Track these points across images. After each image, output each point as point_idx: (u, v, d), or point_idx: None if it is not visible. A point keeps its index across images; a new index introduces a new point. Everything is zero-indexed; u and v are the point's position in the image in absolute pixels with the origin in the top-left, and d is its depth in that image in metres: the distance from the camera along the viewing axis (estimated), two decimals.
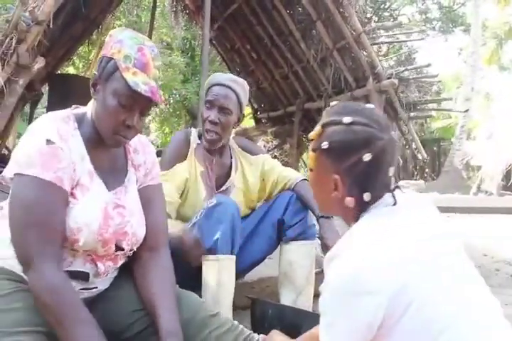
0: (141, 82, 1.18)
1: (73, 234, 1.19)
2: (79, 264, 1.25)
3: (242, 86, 2.01)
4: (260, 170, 2.13)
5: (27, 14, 3.90)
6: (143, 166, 1.41)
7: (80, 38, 6.69)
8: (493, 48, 15.06)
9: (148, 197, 1.39)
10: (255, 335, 1.35)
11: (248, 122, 11.59)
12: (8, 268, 1.22)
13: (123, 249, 1.31)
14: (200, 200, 1.99)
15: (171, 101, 15.95)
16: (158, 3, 8.78)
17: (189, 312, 1.30)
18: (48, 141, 1.17)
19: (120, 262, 1.36)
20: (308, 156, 1.08)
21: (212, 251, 1.71)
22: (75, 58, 10.25)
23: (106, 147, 1.29)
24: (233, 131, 2.13)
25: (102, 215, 1.24)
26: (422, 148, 5.53)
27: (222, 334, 1.29)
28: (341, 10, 5.21)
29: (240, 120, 2.07)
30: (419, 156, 5.66)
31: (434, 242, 0.96)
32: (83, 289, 1.28)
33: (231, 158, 2.12)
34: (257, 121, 8.81)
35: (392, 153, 1.00)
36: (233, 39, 7.84)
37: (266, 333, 1.38)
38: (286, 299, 1.93)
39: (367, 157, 0.96)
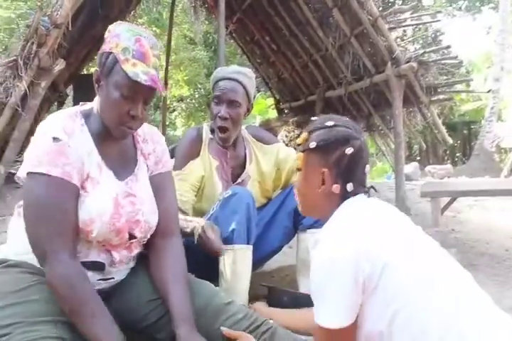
0: (140, 72, 1.21)
1: (86, 226, 1.24)
2: (94, 255, 1.29)
3: (247, 76, 2.02)
4: (275, 159, 2.15)
5: (46, 19, 4.02)
6: (153, 154, 1.44)
7: (101, 38, 6.78)
8: None
9: (160, 184, 1.43)
10: (270, 321, 1.38)
11: (271, 113, 11.59)
12: (31, 262, 1.27)
13: (136, 237, 1.34)
14: (216, 195, 2.02)
15: (196, 96, 16.05)
16: (178, 0, 8.86)
17: (204, 300, 1.34)
18: (55, 139, 1.22)
19: (135, 250, 1.39)
20: (297, 158, 1.23)
21: (228, 241, 1.75)
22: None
23: (114, 139, 1.33)
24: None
25: (113, 205, 1.28)
26: (444, 132, 5.42)
27: (238, 321, 1.32)
28: None
29: (249, 110, 2.07)
30: (442, 141, 5.53)
31: (406, 226, 1.14)
32: (100, 280, 1.33)
33: (245, 149, 2.13)
34: (280, 111, 8.81)
35: (366, 152, 1.20)
36: (252, 31, 7.84)
37: None
38: (305, 286, 1.94)
39: (349, 150, 1.15)
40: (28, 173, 1.23)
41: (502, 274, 3.26)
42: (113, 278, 1.36)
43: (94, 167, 1.28)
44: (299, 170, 1.22)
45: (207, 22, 10.09)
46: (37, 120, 4.08)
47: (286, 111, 8.57)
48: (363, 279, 1.02)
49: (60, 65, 4.20)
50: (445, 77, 5.39)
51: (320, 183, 1.17)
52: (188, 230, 1.72)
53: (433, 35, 15.40)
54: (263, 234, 2.04)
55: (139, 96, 1.26)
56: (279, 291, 1.89)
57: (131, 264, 1.42)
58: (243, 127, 2.19)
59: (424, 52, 5.00)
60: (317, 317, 1.07)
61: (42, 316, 1.15)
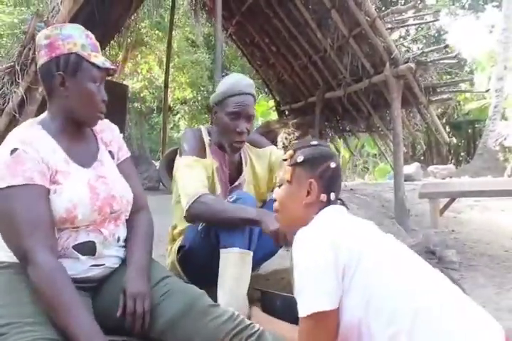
0: (104, 60, 1.39)
1: (71, 212, 1.32)
2: (83, 236, 1.37)
3: (252, 86, 2.06)
4: (268, 162, 2.18)
5: (42, 24, 4.05)
6: (114, 141, 1.58)
7: (101, 42, 6.83)
8: None
9: (125, 170, 1.57)
10: (256, 325, 1.39)
11: (273, 115, 11.59)
12: None
13: (116, 211, 1.44)
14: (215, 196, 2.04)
15: (199, 98, 16.08)
16: (180, 2, 8.90)
17: (188, 301, 1.36)
18: (12, 151, 1.30)
19: (120, 223, 1.48)
20: (282, 173, 1.34)
21: (229, 244, 1.76)
22: None
23: (75, 135, 1.45)
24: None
25: (88, 188, 1.37)
26: (444, 132, 5.41)
27: (222, 323, 1.33)
28: None
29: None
30: (442, 141, 5.51)
31: (378, 233, 1.25)
32: (93, 266, 1.39)
33: (240, 153, 2.16)
34: (280, 113, 8.82)
35: (341, 170, 1.35)
36: (252, 33, 7.85)
37: None
38: None
39: (333, 165, 1.29)
40: None
41: (501, 275, 3.25)
42: (104, 264, 1.41)
43: (61, 162, 1.38)
44: (288, 182, 1.31)
45: (208, 24, 10.13)
46: None
47: (286, 113, 8.58)
48: (343, 265, 1.09)
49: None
50: (448, 77, 5.36)
51: (305, 194, 1.27)
52: (250, 216, 1.73)
53: (436, 34, 15.38)
54: (259, 237, 2.04)
55: (103, 82, 1.43)
56: (272, 295, 1.88)
57: (120, 248, 1.47)
58: None
59: (423, 53, 4.98)
60: (300, 310, 1.12)
61: (37, 317, 1.20)
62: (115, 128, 1.63)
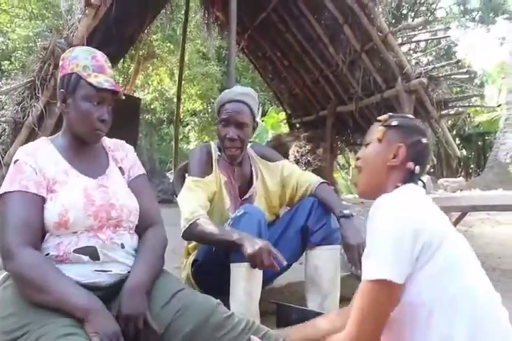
0: (103, 81, 1.44)
1: (63, 216, 1.37)
2: (83, 241, 1.40)
3: (251, 96, 2.08)
4: (280, 176, 2.18)
5: (62, 40, 4.16)
6: (126, 159, 1.62)
7: (117, 56, 6.99)
8: None
9: (138, 186, 1.60)
10: (271, 331, 1.41)
11: (283, 127, 11.63)
12: None
13: (114, 218, 1.46)
14: (225, 210, 2.06)
15: (209, 110, 16.19)
16: (192, 16, 9.04)
17: (203, 315, 1.36)
18: (15, 161, 1.43)
19: (120, 229, 1.48)
20: (373, 131, 1.33)
21: (240, 258, 1.76)
22: (114, 74, 10.60)
23: (82, 150, 1.52)
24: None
25: (83, 195, 1.42)
26: (455, 146, 5.44)
27: (237, 335, 1.34)
28: (367, 12, 5.21)
29: (254, 128, 2.13)
30: (453, 154, 5.54)
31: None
32: (99, 271, 1.41)
33: (251, 166, 2.18)
34: (291, 126, 8.87)
35: (431, 151, 1.35)
36: (264, 47, 7.95)
37: None
38: (313, 303, 1.96)
39: (424, 140, 1.29)
40: None
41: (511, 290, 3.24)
42: (111, 270, 1.43)
43: (60, 173, 1.45)
44: (378, 140, 1.30)
45: (220, 37, 10.26)
46: None
47: (297, 126, 8.62)
48: (423, 243, 1.06)
49: None
50: (458, 90, 5.39)
51: (392, 156, 1.26)
52: (232, 239, 1.75)
53: (446, 47, 15.41)
54: None
55: (105, 102, 1.47)
56: (287, 308, 1.90)
57: (127, 255, 1.48)
58: (248, 145, 2.24)
59: (434, 68, 5.04)
60: (366, 272, 1.10)
61: (51, 318, 1.23)
62: (130, 148, 1.68)
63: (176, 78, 14.03)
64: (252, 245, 1.67)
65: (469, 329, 1.03)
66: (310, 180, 2.18)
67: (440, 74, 5.08)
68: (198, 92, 14.91)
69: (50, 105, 4.21)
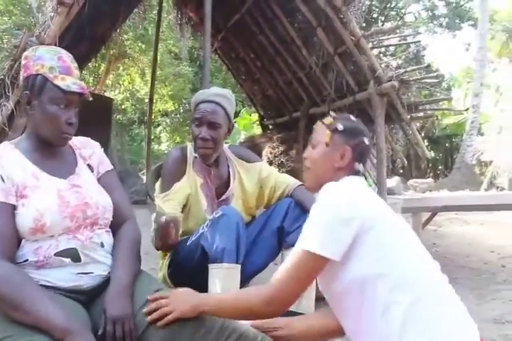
0: (71, 83, 1.41)
1: (38, 221, 1.34)
2: (63, 244, 1.38)
3: (227, 98, 2.09)
4: (257, 178, 2.20)
5: (34, 39, 4.07)
6: (94, 155, 1.60)
7: (88, 55, 6.89)
8: (503, 41, 14.93)
9: (107, 182, 1.58)
10: (248, 330, 1.36)
11: (256, 129, 11.67)
12: None
13: (90, 217, 1.44)
14: (201, 211, 2.08)
15: (181, 111, 16.12)
16: (164, 16, 8.97)
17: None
18: None
19: (97, 230, 1.47)
20: (318, 131, 1.43)
21: (217, 259, 1.79)
22: (84, 74, 10.46)
23: (49, 152, 1.48)
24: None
25: (57, 196, 1.40)
26: (425, 148, 5.58)
27: (216, 334, 1.30)
28: (340, 15, 5.28)
29: (230, 130, 2.14)
30: (422, 156, 5.68)
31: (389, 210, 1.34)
32: (81, 273, 1.39)
33: (228, 167, 2.19)
34: (264, 127, 8.90)
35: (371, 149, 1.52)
36: (237, 48, 7.95)
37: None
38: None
39: (366, 141, 1.41)
40: None
41: (481, 287, 3.32)
42: (92, 272, 1.41)
43: (30, 178, 1.41)
44: (325, 144, 1.40)
45: (192, 38, 10.23)
46: None
47: (270, 128, 8.66)
48: (361, 220, 1.19)
49: None
50: (427, 93, 5.51)
51: (338, 158, 1.38)
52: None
53: (415, 51, 15.74)
54: (248, 252, 2.07)
55: (72, 105, 1.44)
56: None
57: (107, 254, 1.47)
58: (226, 146, 2.25)
59: (406, 71, 5.14)
60: (305, 242, 1.22)
61: (32, 335, 1.19)
62: (96, 144, 1.66)
63: (147, 78, 13.95)
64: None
65: (412, 294, 1.15)
66: (287, 181, 2.20)
67: (411, 78, 5.17)
68: (170, 93, 14.82)
69: (20, 104, 4.10)
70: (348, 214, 1.20)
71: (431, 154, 16.09)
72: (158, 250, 2.04)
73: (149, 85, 14.03)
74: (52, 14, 4.27)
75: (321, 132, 1.42)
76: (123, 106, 15.38)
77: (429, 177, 14.06)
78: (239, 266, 1.84)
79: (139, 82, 14.51)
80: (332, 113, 1.48)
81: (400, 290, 1.15)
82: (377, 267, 1.18)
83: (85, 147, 1.61)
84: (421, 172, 16.63)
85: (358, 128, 1.43)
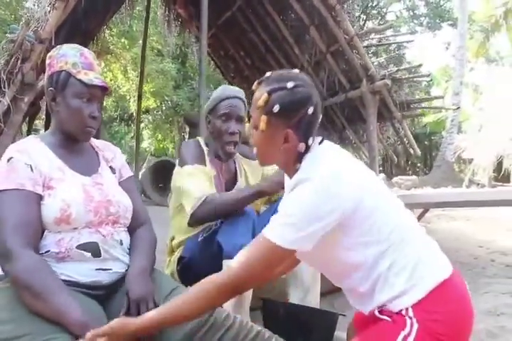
0: (93, 78, 1.44)
1: (65, 211, 1.36)
2: (85, 237, 1.39)
3: (241, 92, 2.13)
4: (261, 175, 2.21)
5: (31, 34, 4.02)
6: (116, 159, 1.63)
7: None
8: (480, 41, 15.26)
9: (128, 186, 1.61)
10: (262, 330, 1.40)
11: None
12: None
13: (113, 214, 1.46)
14: None
15: (163, 108, 16.00)
16: (151, 12, 8.91)
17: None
18: (8, 160, 1.39)
19: (118, 226, 1.49)
20: (255, 119, 1.22)
21: (234, 255, 1.81)
22: None
23: (73, 149, 1.51)
24: None
25: (82, 190, 1.42)
26: (415, 144, 5.70)
27: (235, 335, 1.34)
28: (334, 14, 5.34)
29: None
30: (413, 153, 5.80)
31: (370, 174, 1.25)
32: (100, 269, 1.40)
33: (235, 163, 2.20)
34: None
35: (320, 103, 1.24)
36: (227, 46, 7.96)
37: (278, 332, 1.41)
38: (295, 298, 1.97)
39: (310, 110, 1.17)
40: None
41: (473, 281, 3.39)
42: (111, 269, 1.43)
43: (56, 170, 1.43)
44: (261, 131, 1.20)
45: (177, 34, 10.16)
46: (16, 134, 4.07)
47: None
48: (339, 214, 1.10)
49: (43, 81, 4.16)
50: (411, 90, 5.60)
51: (282, 142, 1.19)
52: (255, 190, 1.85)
53: (396, 49, 15.95)
54: None
55: (95, 99, 1.46)
56: (274, 303, 1.89)
57: (124, 252, 1.49)
58: None
59: (398, 70, 5.24)
60: (268, 228, 1.14)
61: (51, 333, 1.19)
62: (117, 149, 1.69)
63: (129, 75, 13.78)
64: (270, 186, 1.81)
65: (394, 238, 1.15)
66: None
67: (403, 77, 5.28)
68: (152, 90, 14.68)
69: (16, 100, 4.06)
70: (328, 207, 1.09)
71: (412, 153, 16.40)
72: (194, 223, 1.96)
73: (131, 82, 13.98)
74: (49, 8, 4.22)
75: (255, 113, 1.21)
76: (104, 103, 15.17)
77: (408, 174, 14.29)
78: None
79: (120, 78, 14.34)
80: (267, 74, 1.25)
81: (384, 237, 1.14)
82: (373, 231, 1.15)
83: (107, 150, 1.64)
84: (400, 169, 16.89)
85: (299, 100, 1.17)
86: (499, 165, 11.38)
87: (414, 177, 11.66)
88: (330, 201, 1.09)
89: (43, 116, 8.30)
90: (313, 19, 5.68)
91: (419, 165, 18.41)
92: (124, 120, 17.64)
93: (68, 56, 1.45)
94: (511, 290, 2.92)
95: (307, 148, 1.20)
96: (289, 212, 1.13)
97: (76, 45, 1.53)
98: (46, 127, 7.06)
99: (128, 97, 14.97)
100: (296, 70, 1.27)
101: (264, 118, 1.18)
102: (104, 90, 1.48)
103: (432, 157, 16.07)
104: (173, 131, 17.19)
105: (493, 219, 6.21)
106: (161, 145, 18.46)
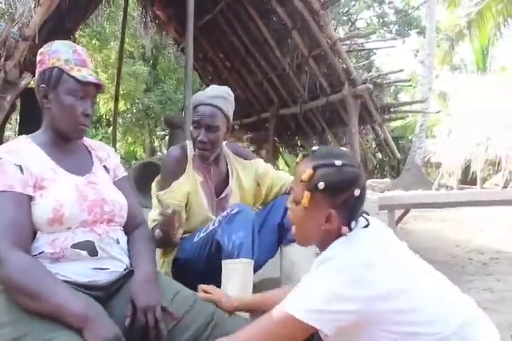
0: (87, 74, 1.41)
1: (58, 211, 1.32)
2: (80, 236, 1.36)
3: (225, 98, 2.05)
4: (254, 174, 2.20)
5: (15, 31, 3.91)
6: (110, 159, 1.61)
7: None
8: (446, 49, 15.74)
9: (123, 186, 1.59)
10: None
11: None
12: None
13: (107, 213, 1.44)
14: (202, 209, 2.06)
15: (134, 111, 15.81)
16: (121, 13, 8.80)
17: (209, 314, 1.39)
18: None
19: (113, 224, 1.47)
20: (297, 194, 1.17)
21: (235, 254, 1.77)
22: None
23: (65, 148, 1.49)
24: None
25: (75, 190, 1.39)
26: (395, 148, 5.83)
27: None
28: (317, 19, 5.41)
29: (229, 129, 2.11)
30: (392, 156, 5.94)
31: (408, 255, 1.22)
32: (97, 269, 1.37)
33: (227, 164, 2.19)
34: None
35: (366, 186, 1.18)
36: (206, 48, 7.92)
37: None
38: None
39: (357, 192, 1.12)
40: None
41: (454, 279, 3.47)
42: (109, 268, 1.40)
43: (48, 171, 1.40)
44: (303, 207, 1.15)
45: (150, 36, 10.08)
46: None
47: (236, 128, 8.69)
48: (360, 305, 1.05)
49: (26, 79, 4.06)
50: (381, 94, 5.74)
51: (324, 221, 1.13)
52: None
53: (366, 55, 16.25)
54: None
55: (89, 97, 1.44)
56: None
57: (121, 251, 1.47)
58: (224, 144, 2.27)
59: (380, 75, 5.35)
60: (292, 305, 1.09)
61: (50, 332, 1.17)
62: (111, 149, 1.67)
63: (100, 77, 13.52)
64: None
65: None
66: (284, 179, 2.23)
67: (384, 81, 5.40)
68: (123, 92, 14.49)
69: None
70: (350, 292, 1.04)
71: (378, 156, 16.71)
72: (158, 247, 1.98)
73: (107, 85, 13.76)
74: (32, 5, 4.11)
75: (298, 187, 1.16)
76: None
77: (376, 177, 14.51)
78: (253, 261, 1.84)
79: None
80: (314, 148, 1.20)
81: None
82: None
83: (100, 149, 1.61)
84: (369, 173, 17.14)
85: (346, 179, 1.12)
86: (467, 168, 11.70)
87: (387, 180, 11.90)
88: (354, 284, 1.04)
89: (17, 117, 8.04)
90: (296, 23, 5.74)
91: (386, 168, 18.75)
92: (92, 122, 17.31)
93: (60, 52, 1.43)
94: (491, 286, 3.02)
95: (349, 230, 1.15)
96: (309, 286, 1.10)
97: (68, 42, 1.51)
98: (20, 130, 6.83)
99: (98, 100, 14.72)
100: (344, 148, 1.25)
101: (307, 194, 1.12)
102: (98, 87, 1.45)
103: (399, 161, 16.40)
104: (143, 133, 16.98)
105: (465, 220, 6.39)
106: (131, 149, 18.20)
